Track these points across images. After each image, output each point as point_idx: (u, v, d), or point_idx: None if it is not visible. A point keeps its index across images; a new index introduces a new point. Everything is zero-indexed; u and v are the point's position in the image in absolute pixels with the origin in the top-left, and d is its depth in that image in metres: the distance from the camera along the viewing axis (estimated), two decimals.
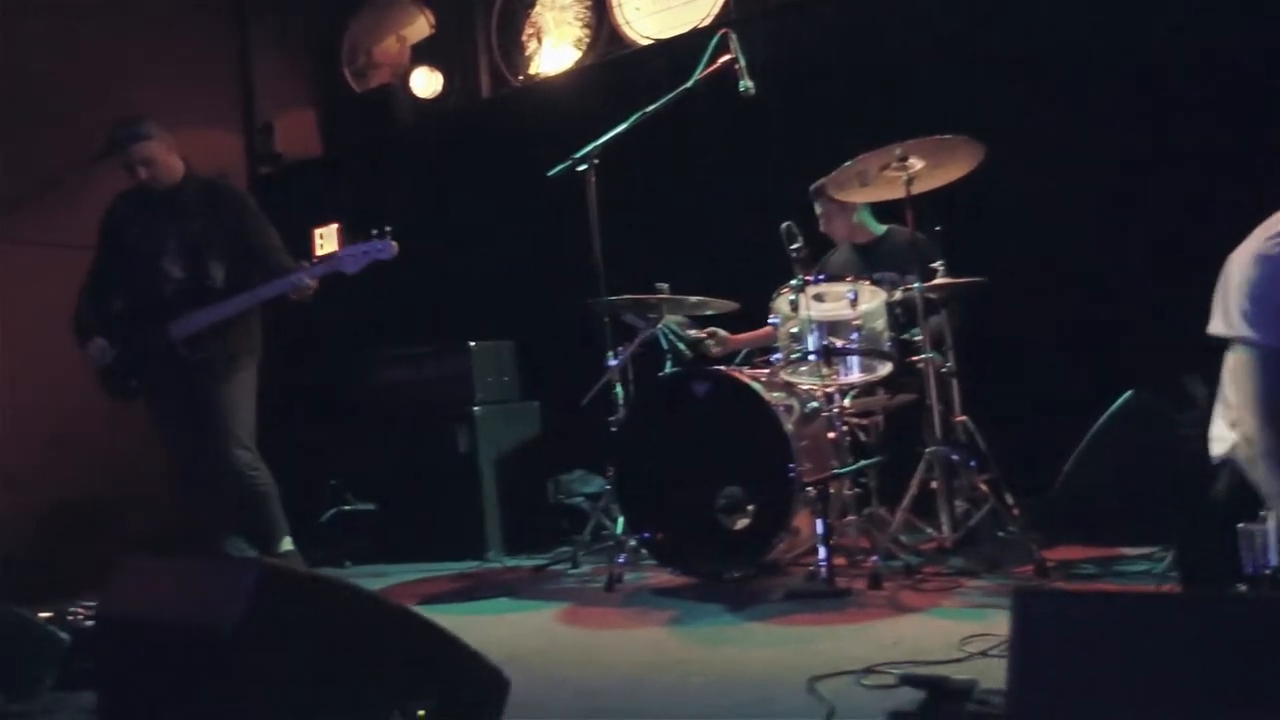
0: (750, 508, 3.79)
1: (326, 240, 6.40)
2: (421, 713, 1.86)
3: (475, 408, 5.22)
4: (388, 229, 4.06)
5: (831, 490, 3.71)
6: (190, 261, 4.24)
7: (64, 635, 2.57)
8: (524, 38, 6.81)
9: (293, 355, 5.49)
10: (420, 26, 7.15)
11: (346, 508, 5.49)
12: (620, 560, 4.06)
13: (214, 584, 1.82)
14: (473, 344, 5.33)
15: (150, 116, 4.24)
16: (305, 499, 5.16)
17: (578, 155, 4.44)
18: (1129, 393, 3.39)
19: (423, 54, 7.02)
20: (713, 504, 3.81)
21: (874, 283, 3.91)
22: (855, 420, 4.07)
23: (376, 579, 4.72)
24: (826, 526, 3.62)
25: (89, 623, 2.74)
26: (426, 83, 6.96)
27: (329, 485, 5.56)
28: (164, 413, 4.32)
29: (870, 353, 3.84)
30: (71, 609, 2.89)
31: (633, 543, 4.10)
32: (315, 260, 4.18)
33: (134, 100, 4.93)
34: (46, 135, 5.38)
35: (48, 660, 2.44)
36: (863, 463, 3.88)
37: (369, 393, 5.47)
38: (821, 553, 3.61)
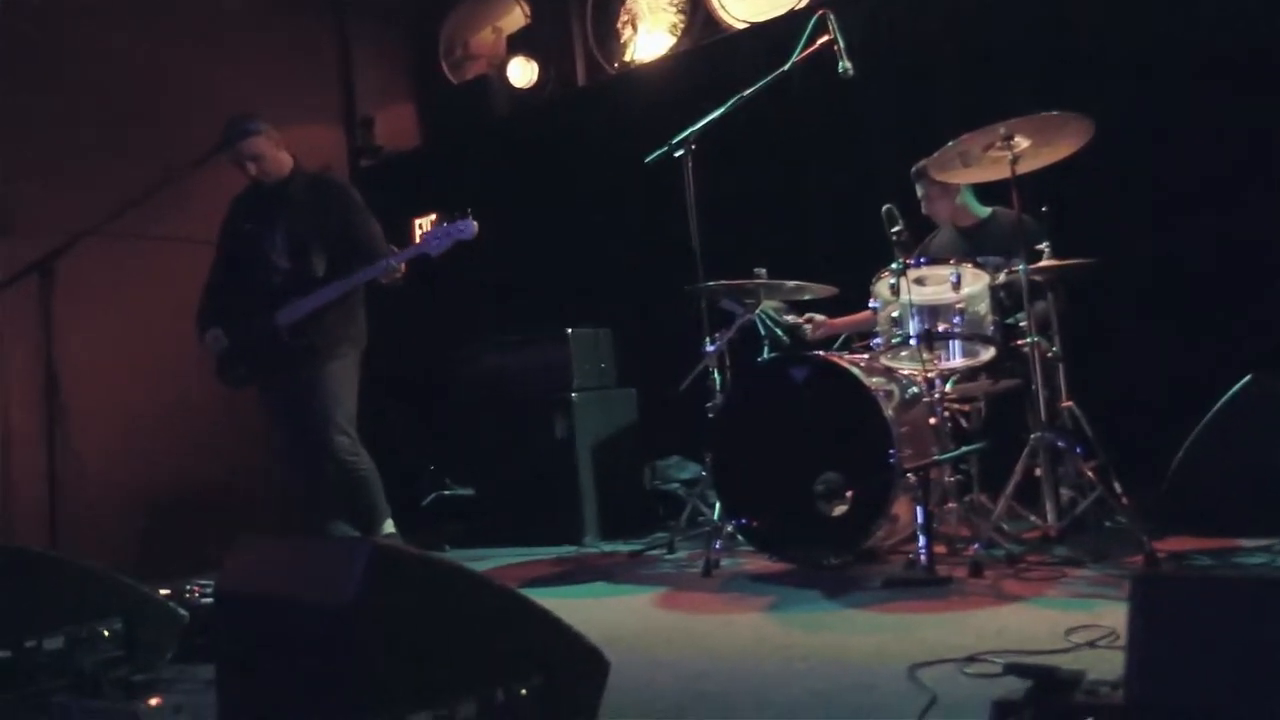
0: (849, 494, 3.75)
1: (424, 228, 6.41)
2: (524, 691, 1.87)
3: (573, 394, 5.23)
4: (468, 210, 4.11)
5: (932, 477, 3.64)
6: (296, 253, 4.36)
7: (183, 612, 2.63)
8: (619, 25, 6.80)
9: (396, 344, 5.43)
10: (516, 17, 7.18)
11: (446, 492, 5.58)
12: (716, 546, 4.04)
13: (327, 563, 1.87)
14: (570, 331, 5.34)
15: (259, 113, 4.37)
16: (406, 484, 5.24)
17: (674, 141, 4.41)
18: (1247, 377, 3.28)
19: (518, 44, 7.06)
20: (811, 490, 3.78)
21: (977, 266, 3.82)
22: (956, 406, 4.00)
23: (475, 563, 4.72)
24: (926, 514, 3.56)
25: (207, 600, 2.83)
26: (522, 73, 7.00)
27: (429, 470, 5.64)
28: (272, 399, 4.44)
29: (973, 337, 3.77)
30: (189, 586, 2.96)
31: (729, 528, 4.08)
32: (411, 245, 4.29)
33: (238, 98, 4.98)
34: (157, 134, 5.51)
35: (168, 634, 2.49)
36: (965, 449, 3.82)
37: (469, 380, 5.51)
38: (921, 540, 3.55)
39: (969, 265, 3.82)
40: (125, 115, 5.64)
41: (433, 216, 6.25)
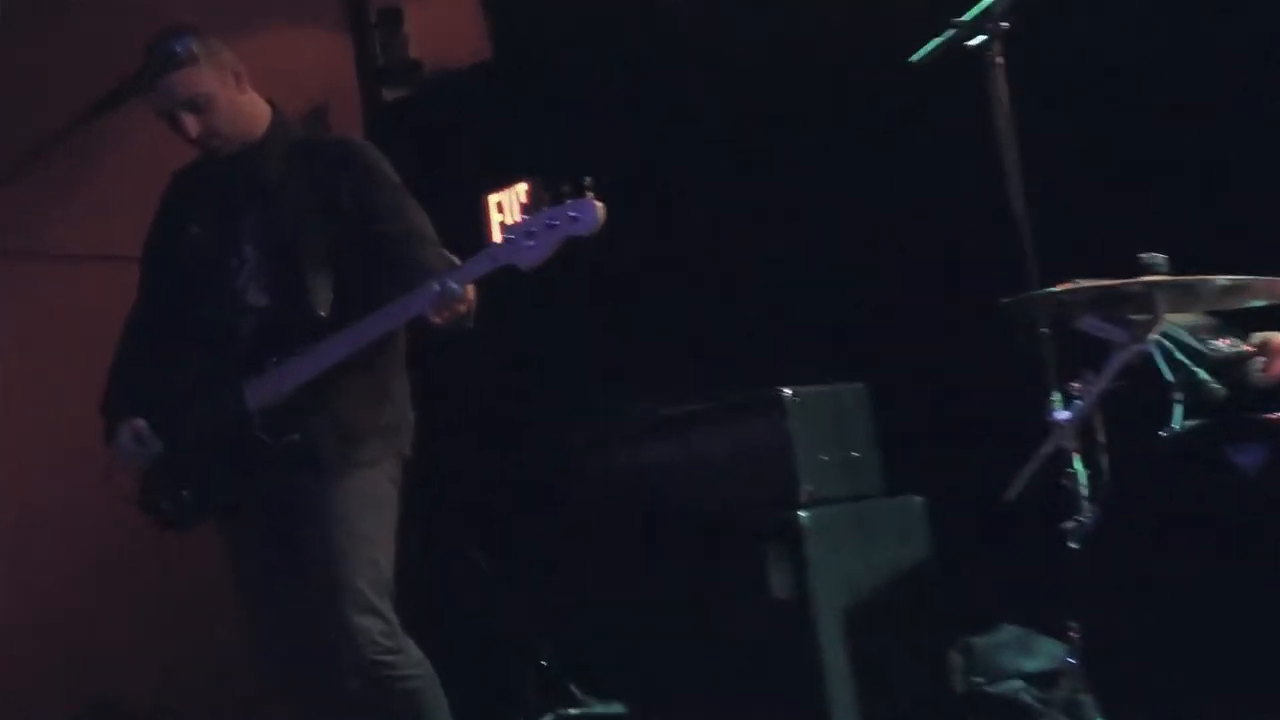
0: None
1: (509, 212, 5.18)
2: None
3: (800, 512, 3.97)
4: (586, 181, 3.13)
5: None
6: (278, 276, 3.43)
7: None
8: None
9: (465, 428, 4.83)
10: None
11: (573, 711, 4.42)
12: None
13: None
14: (788, 392, 4.07)
15: (197, 27, 3.42)
16: (497, 696, 4.49)
17: (964, 19, 3.32)
18: None
19: None
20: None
21: None
22: None
23: None
24: None
25: None
26: None
27: (537, 667, 4.59)
28: (240, 547, 3.49)
29: None
30: None
31: None
32: (491, 248, 3.27)
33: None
34: (31, 73, 4.54)
35: None
36: None
37: (601, 487, 4.44)
38: None
39: None
40: None
41: (520, 190, 5.10)
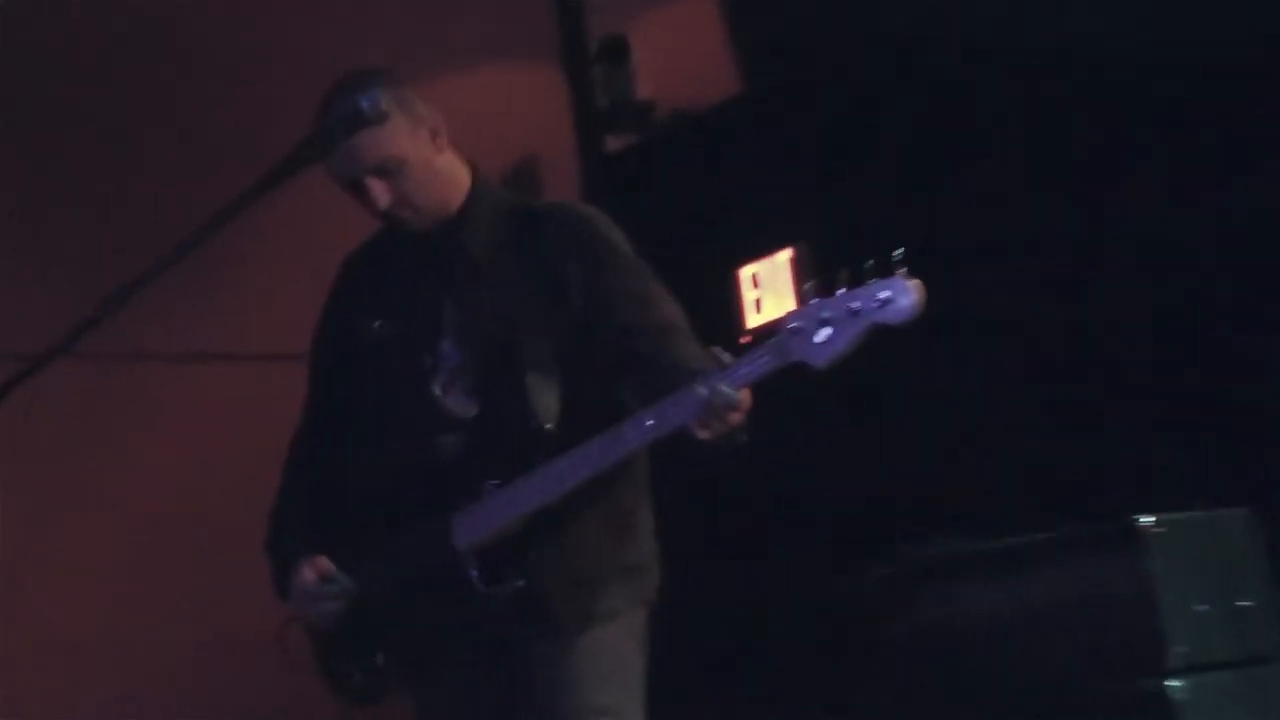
0: None
1: (770, 288, 4.44)
2: None
3: (1170, 681, 3.26)
4: (897, 253, 2.55)
5: None
6: (488, 377, 2.97)
7: None
8: None
9: (715, 560, 4.22)
10: None
11: None
12: None
13: None
14: (1148, 521, 3.37)
15: (386, 74, 3.00)
16: None
17: None
18: None
19: None
20: None
21: None
22: None
23: None
24: None
25: None
26: None
27: None
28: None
29: None
30: None
31: None
32: (750, 350, 2.73)
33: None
34: (159, 134, 4.43)
35: None
36: None
37: (901, 643, 3.79)
38: None
39: None
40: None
41: (782, 260, 4.40)
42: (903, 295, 2.45)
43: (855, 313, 2.48)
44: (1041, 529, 3.61)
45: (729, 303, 4.46)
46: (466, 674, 2.88)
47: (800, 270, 4.41)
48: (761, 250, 4.51)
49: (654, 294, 2.90)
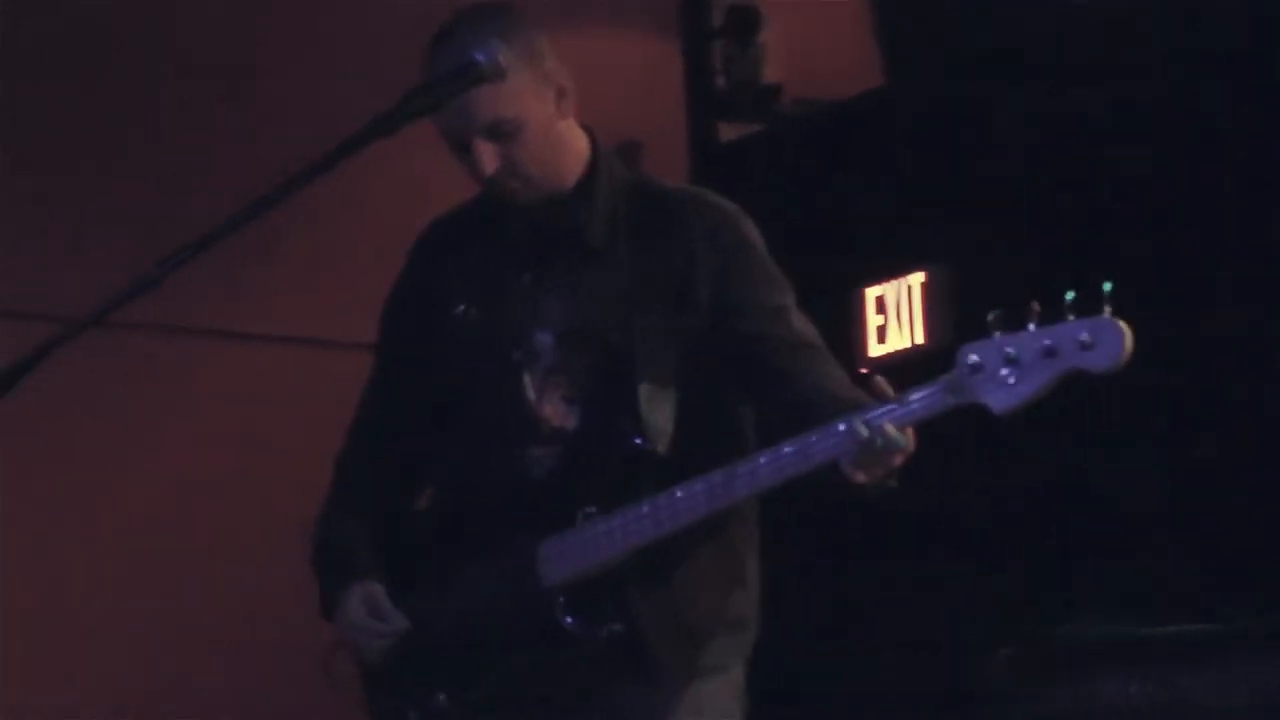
0: None
1: (896, 315, 4.03)
2: None
3: None
4: (1106, 289, 2.26)
5: None
6: (592, 384, 2.70)
7: None
8: None
9: (810, 630, 3.77)
10: None
11: None
12: None
13: None
14: None
15: (511, 14, 2.69)
16: None
17: None
18: None
19: None
20: None
21: None
22: None
23: None
24: None
25: None
26: None
27: None
28: None
29: None
30: None
31: None
32: (954, 378, 2.42)
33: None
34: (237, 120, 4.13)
35: None
36: None
37: None
38: None
39: None
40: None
41: (915, 282, 4.04)
42: (1110, 340, 2.18)
43: (1050, 353, 2.20)
44: (1209, 618, 3.21)
45: (848, 327, 3.98)
46: None
47: (933, 297, 3.97)
48: (890, 271, 4.05)
49: (791, 306, 2.62)
